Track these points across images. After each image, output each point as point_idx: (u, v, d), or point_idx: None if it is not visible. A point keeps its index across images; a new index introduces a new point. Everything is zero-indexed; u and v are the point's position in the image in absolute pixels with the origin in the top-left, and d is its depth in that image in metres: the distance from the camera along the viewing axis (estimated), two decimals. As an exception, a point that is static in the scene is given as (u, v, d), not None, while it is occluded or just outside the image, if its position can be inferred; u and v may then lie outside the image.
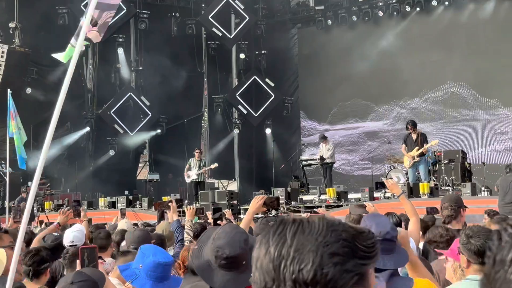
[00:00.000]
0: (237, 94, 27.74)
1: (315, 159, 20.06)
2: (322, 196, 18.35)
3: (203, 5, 28.18)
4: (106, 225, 9.85)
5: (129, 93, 26.23)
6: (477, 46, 24.26)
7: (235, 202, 18.29)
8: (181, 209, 10.97)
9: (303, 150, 26.28)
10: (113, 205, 19.68)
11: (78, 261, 4.43)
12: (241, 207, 17.78)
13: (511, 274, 1.11)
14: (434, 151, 18.35)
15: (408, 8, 25.66)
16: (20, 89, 23.47)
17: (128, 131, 25.95)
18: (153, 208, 17.82)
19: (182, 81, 26.33)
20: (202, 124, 28.99)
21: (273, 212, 15.51)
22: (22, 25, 23.52)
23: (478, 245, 3.80)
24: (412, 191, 15.70)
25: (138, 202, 19.78)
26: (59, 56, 5.32)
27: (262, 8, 28.68)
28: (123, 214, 11.81)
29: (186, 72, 26.94)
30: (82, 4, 25.10)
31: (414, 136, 16.78)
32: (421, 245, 5.91)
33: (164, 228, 7.04)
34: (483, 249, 3.78)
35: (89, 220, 10.24)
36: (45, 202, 20.44)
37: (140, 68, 26.79)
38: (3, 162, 21.43)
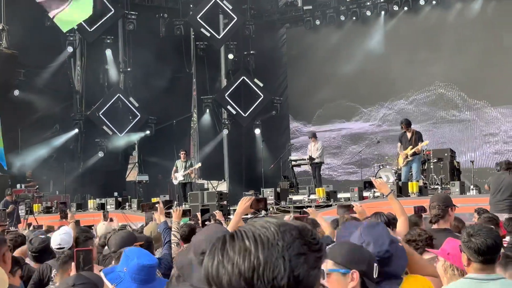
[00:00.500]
0: (226, 95, 27.71)
1: (304, 159, 20.06)
2: (312, 196, 18.36)
3: (191, 5, 28.15)
4: (92, 227, 9.80)
5: (118, 94, 26.15)
6: (464, 45, 24.34)
7: (225, 202, 18.27)
8: (170, 210, 10.92)
9: (292, 150, 26.30)
10: (102, 206, 19.61)
11: (73, 264, 4.39)
12: (231, 208, 17.75)
13: None
14: (423, 150, 18.40)
15: (396, 8, 25.73)
16: (7, 91, 23.36)
17: (117, 133, 25.87)
18: (141, 209, 17.79)
19: (170, 82, 26.28)
20: (191, 125, 28.95)
21: (263, 212, 15.51)
22: (9, 27, 23.40)
23: (479, 243, 3.79)
24: (401, 190, 15.73)
25: (127, 203, 19.73)
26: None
27: (250, 9, 28.66)
28: (105, 217, 11.73)
29: (175, 73, 26.89)
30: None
31: (409, 134, 16.85)
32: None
33: (152, 230, 7.01)
34: (483, 248, 3.77)
35: (77, 222, 10.18)
36: (34, 204, 20.33)
37: (129, 69, 26.71)
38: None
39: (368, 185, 17.38)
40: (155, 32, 26.57)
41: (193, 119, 28.88)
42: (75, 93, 26.16)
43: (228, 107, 27.70)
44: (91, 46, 25.95)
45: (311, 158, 19.52)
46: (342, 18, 26.84)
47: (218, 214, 9.98)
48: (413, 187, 15.73)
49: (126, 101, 26.10)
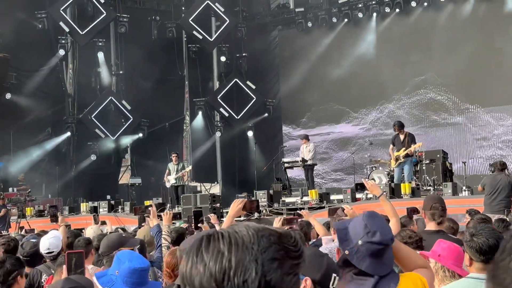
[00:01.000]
0: (218, 97, 27.70)
1: (297, 161, 20.05)
2: (305, 198, 18.36)
3: (183, 8, 28.14)
4: (83, 231, 9.78)
5: (110, 97, 26.10)
6: (456, 47, 24.41)
7: (218, 205, 18.25)
8: (162, 214, 10.91)
9: (285, 152, 26.29)
10: (95, 210, 19.56)
11: (64, 266, 4.37)
12: (224, 210, 17.72)
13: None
14: (416, 152, 18.42)
15: (387, 9, 25.79)
16: (-1, 95, 23.31)
17: (110, 136, 25.81)
18: (133, 212, 17.75)
19: (163, 85, 26.26)
20: (184, 128, 28.92)
21: (256, 215, 15.51)
22: (1, 30, 23.34)
23: (480, 243, 3.80)
24: (394, 192, 15.75)
25: (120, 206, 19.68)
26: None
27: (242, 11, 28.67)
28: (95, 220, 11.71)
29: (167, 75, 26.86)
30: (61, 9, 24.99)
31: (401, 136, 16.87)
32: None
33: (146, 234, 6.99)
34: (485, 247, 3.78)
35: (68, 225, 10.15)
36: (26, 208, 20.27)
37: (121, 72, 26.68)
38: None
39: (360, 187, 17.41)
40: (147, 35, 26.55)
41: (185, 121, 28.85)
42: (67, 96, 26.09)
43: (221, 109, 27.69)
44: (83, 49, 25.90)
45: (303, 160, 19.52)
46: (334, 20, 26.89)
47: (212, 217, 9.94)
48: (405, 188, 15.74)
49: (119, 104, 26.06)
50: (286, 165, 20.75)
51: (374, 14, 26.17)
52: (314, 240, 7.50)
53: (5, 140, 23.66)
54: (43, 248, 5.96)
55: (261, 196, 17.89)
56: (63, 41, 25.51)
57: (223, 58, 28.27)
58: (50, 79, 25.21)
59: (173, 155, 20.45)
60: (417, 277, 3.37)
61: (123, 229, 10.62)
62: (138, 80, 25.69)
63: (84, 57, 26.06)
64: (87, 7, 25.85)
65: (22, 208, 20.01)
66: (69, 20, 25.25)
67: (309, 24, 27.45)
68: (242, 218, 14.29)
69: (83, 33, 25.24)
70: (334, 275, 2.94)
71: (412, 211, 7.69)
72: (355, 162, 22.36)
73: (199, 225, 9.23)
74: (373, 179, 17.56)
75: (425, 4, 24.97)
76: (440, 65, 24.66)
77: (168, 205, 19.27)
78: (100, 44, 26.08)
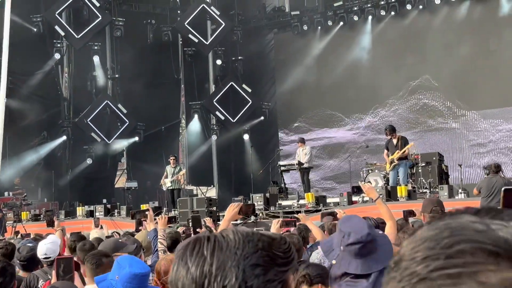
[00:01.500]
0: (214, 100, 27.70)
1: (293, 164, 20.07)
2: (301, 201, 18.37)
3: (179, 11, 28.15)
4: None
5: (106, 101, 26.09)
6: (451, 49, 24.45)
7: (214, 208, 18.26)
8: (157, 217, 10.92)
9: (281, 155, 26.29)
10: (91, 214, 19.55)
11: (53, 272, 4.36)
12: (220, 214, 17.72)
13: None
14: (412, 154, 18.45)
15: (383, 12, 25.82)
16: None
17: (105, 139, 25.80)
18: (130, 216, 17.74)
19: (159, 88, 26.25)
20: (180, 131, 28.91)
21: (252, 218, 15.51)
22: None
23: None
24: (390, 195, 15.77)
25: (116, 210, 19.67)
26: None
27: (238, 14, 28.68)
28: (96, 223, 11.71)
29: (163, 79, 26.87)
30: (57, 12, 24.97)
31: (394, 141, 16.90)
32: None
33: (143, 239, 6.98)
34: None
35: (63, 230, 10.14)
36: (22, 212, 20.23)
37: (117, 75, 26.67)
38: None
39: (357, 190, 17.43)
40: (143, 38, 26.55)
41: (181, 125, 28.84)
42: (63, 100, 26.07)
43: (217, 112, 27.70)
44: (79, 52, 25.89)
45: (299, 163, 19.54)
46: (330, 23, 26.91)
47: (208, 221, 9.96)
48: (402, 191, 15.77)
49: (114, 108, 26.04)
50: (282, 168, 20.76)
51: (370, 17, 26.20)
52: (312, 243, 7.51)
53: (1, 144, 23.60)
54: (40, 253, 5.94)
55: (258, 200, 17.90)
56: (59, 45, 25.51)
57: (218, 62, 28.28)
58: (45, 83, 25.19)
59: (171, 158, 20.44)
60: None
61: (119, 233, 10.63)
62: (134, 84, 25.67)
63: (79, 61, 26.06)
64: (82, 11, 25.85)
65: (18, 213, 19.98)
66: (65, 24, 25.24)
67: (305, 27, 27.48)
68: (238, 222, 14.29)
69: (79, 36, 25.23)
70: None
71: (409, 213, 7.72)
72: (346, 169, 22.24)
73: (197, 230, 9.23)
74: (369, 182, 17.59)
75: (420, 7, 25.01)
76: (435, 68, 24.69)
77: (165, 208, 19.26)
78: (95, 47, 26.08)
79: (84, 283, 4.62)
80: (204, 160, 27.74)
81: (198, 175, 27.60)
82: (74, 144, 25.82)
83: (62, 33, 25.06)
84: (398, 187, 16.06)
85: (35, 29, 24.57)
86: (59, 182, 24.56)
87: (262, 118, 28.23)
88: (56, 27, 24.90)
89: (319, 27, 27.25)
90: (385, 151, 17.23)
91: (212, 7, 27.49)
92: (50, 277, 5.30)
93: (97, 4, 25.61)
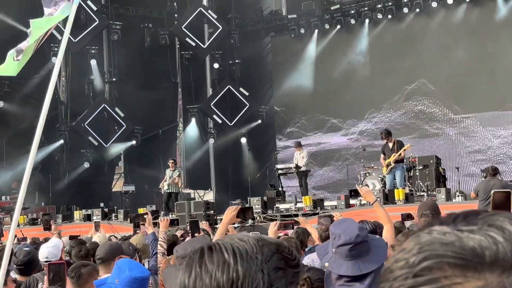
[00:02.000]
0: (211, 104, 27.70)
1: (291, 168, 20.08)
2: (299, 204, 18.37)
3: (176, 15, 28.17)
4: (79, 238, 9.76)
5: (103, 105, 26.07)
6: (448, 52, 24.48)
7: (212, 212, 18.26)
8: (156, 221, 10.92)
9: (278, 159, 26.29)
10: (88, 217, 19.54)
11: (45, 278, 4.36)
12: (218, 217, 17.73)
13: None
14: (409, 157, 18.48)
15: (380, 16, 25.86)
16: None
17: (103, 143, 25.77)
18: (128, 220, 17.74)
19: (156, 92, 26.24)
20: (177, 135, 28.90)
21: (250, 221, 15.50)
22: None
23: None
24: (388, 198, 15.78)
25: (113, 214, 19.66)
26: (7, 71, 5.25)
27: (235, 18, 28.70)
28: (97, 227, 11.70)
29: (160, 82, 26.87)
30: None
31: (390, 144, 16.94)
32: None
33: (138, 242, 6.98)
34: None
35: (59, 233, 10.14)
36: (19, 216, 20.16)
37: (114, 79, 26.66)
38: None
39: (354, 193, 17.44)
40: (140, 42, 26.55)
41: (179, 128, 28.83)
42: (60, 104, 26.04)
43: (214, 116, 27.70)
44: (76, 56, 25.88)
45: (297, 167, 19.55)
46: (327, 26, 26.95)
47: (204, 224, 9.99)
48: (399, 194, 15.79)
49: (112, 111, 26.03)
50: (279, 171, 20.78)
51: (367, 21, 26.24)
52: (311, 246, 7.51)
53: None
54: (41, 256, 5.96)
55: (255, 203, 17.90)
56: (56, 49, 25.47)
57: (216, 65, 28.30)
58: (42, 87, 25.09)
59: (170, 161, 20.48)
60: None
61: (116, 237, 10.62)
62: (131, 88, 25.66)
63: (77, 65, 26.04)
64: (79, 14, 25.79)
65: (15, 217, 19.87)
66: (62, 28, 25.18)
67: (302, 31, 27.51)
68: (236, 225, 14.29)
69: (76, 40, 25.20)
70: None
71: (407, 217, 7.73)
72: (337, 179, 22.07)
73: (196, 234, 9.24)
74: (366, 185, 17.61)
75: (417, 10, 25.05)
76: (432, 72, 24.72)
77: (162, 212, 19.25)
78: (93, 51, 26.07)
79: None
80: (202, 164, 27.74)
81: (196, 179, 27.58)
82: (71, 148, 25.80)
83: (59, 37, 25.03)
84: (395, 190, 16.07)
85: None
86: (57, 186, 24.52)
87: (259, 121, 28.24)
88: (53, 31, 24.85)
89: (316, 31, 27.29)
90: (382, 155, 17.26)
91: (209, 11, 27.51)
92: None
93: (94, 8, 25.62)
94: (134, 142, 26.61)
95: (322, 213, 15.23)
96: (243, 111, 27.76)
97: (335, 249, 3.21)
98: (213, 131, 28.12)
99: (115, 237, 11.46)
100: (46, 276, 4.28)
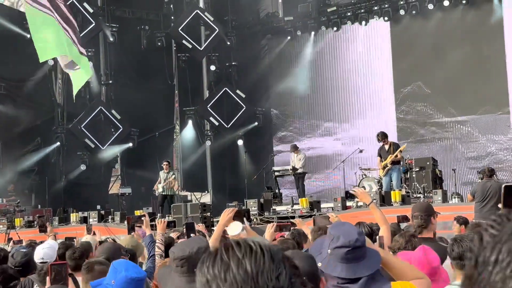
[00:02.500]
0: (208, 106, 27.70)
1: (288, 170, 20.10)
2: (295, 206, 18.38)
3: (172, 17, 28.16)
4: (74, 240, 9.75)
5: (100, 107, 26.04)
6: (444, 55, 24.49)
7: (208, 214, 18.26)
8: (154, 223, 10.91)
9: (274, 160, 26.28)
10: (85, 220, 19.53)
11: (47, 278, 4.37)
12: (214, 219, 17.72)
13: (496, 275, 1.11)
14: (405, 159, 18.51)
15: (376, 18, 25.88)
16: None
17: (99, 145, 25.74)
18: (125, 222, 17.71)
19: (152, 94, 26.23)
20: (174, 137, 28.89)
21: (246, 223, 15.48)
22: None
23: (460, 250, 3.85)
24: (384, 199, 15.81)
25: (110, 216, 19.65)
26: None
27: (231, 20, 28.71)
28: (89, 230, 11.68)
29: (157, 84, 26.85)
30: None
31: (386, 146, 16.99)
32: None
33: (127, 243, 6.97)
34: (464, 253, 3.83)
35: (55, 236, 10.13)
36: (15, 218, 20.17)
37: (110, 81, 26.64)
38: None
39: (350, 195, 17.45)
40: (136, 44, 26.54)
41: (175, 130, 28.83)
42: (57, 106, 26.02)
43: (211, 118, 27.70)
44: (72, 59, 25.83)
45: (294, 169, 19.57)
46: (323, 28, 26.98)
47: (200, 226, 9.98)
48: (396, 196, 15.81)
49: (108, 114, 26.00)
50: (276, 173, 20.79)
51: (363, 23, 26.26)
52: (306, 248, 7.51)
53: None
54: (37, 257, 5.95)
55: (252, 205, 17.91)
56: (52, 51, 25.43)
57: (212, 67, 28.31)
58: (39, 89, 25.14)
59: (164, 163, 20.50)
60: (409, 286, 3.41)
61: (114, 240, 10.58)
62: (127, 90, 25.65)
63: (73, 67, 25.99)
64: (76, 17, 25.81)
65: (11, 219, 19.93)
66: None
67: (298, 33, 27.54)
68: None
69: (72, 43, 25.19)
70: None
71: (403, 218, 7.74)
72: (326, 188, 21.95)
73: (191, 235, 9.25)
74: (363, 187, 17.62)
75: (414, 12, 25.08)
76: (427, 74, 24.72)
77: (159, 214, 19.24)
78: (89, 53, 25.98)
79: None
80: (198, 166, 27.73)
81: (192, 181, 27.58)
82: (68, 150, 25.77)
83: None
84: (392, 192, 16.10)
85: (28, 36, 24.51)
86: (53, 188, 24.48)
87: (256, 123, 28.24)
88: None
89: (313, 33, 27.31)
90: (378, 158, 17.30)
91: (205, 13, 27.51)
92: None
93: (91, 10, 25.60)
94: (130, 144, 26.58)
95: (319, 214, 15.24)
96: (239, 113, 27.76)
97: (331, 250, 3.22)
98: (209, 133, 28.12)
99: (113, 240, 11.44)
100: (48, 276, 4.28)
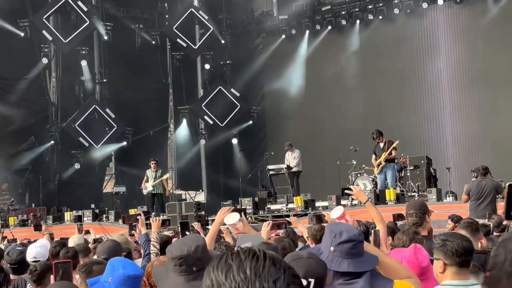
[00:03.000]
0: (202, 105, 27.69)
1: (282, 168, 20.09)
2: (290, 205, 18.38)
3: (167, 16, 28.13)
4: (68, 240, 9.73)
5: (94, 106, 25.99)
6: (440, 53, 24.54)
7: (203, 213, 18.25)
8: (148, 222, 10.90)
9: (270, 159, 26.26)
10: (79, 219, 19.48)
11: (51, 277, 4.35)
12: (209, 218, 17.72)
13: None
14: (400, 157, 18.52)
15: (370, 17, 25.91)
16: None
17: (93, 144, 25.69)
18: (120, 221, 17.71)
19: (147, 93, 26.20)
20: (168, 135, 28.85)
21: (241, 222, 15.47)
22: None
23: (455, 245, 3.81)
24: (379, 198, 15.83)
25: (104, 215, 19.61)
26: None
27: (226, 19, 28.70)
28: (80, 229, 11.65)
29: (151, 83, 26.82)
30: (44, 17, 24.88)
31: (381, 144, 17.00)
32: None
33: (119, 241, 6.89)
34: (460, 249, 3.79)
35: (51, 234, 10.10)
36: (10, 217, 20.12)
37: (105, 80, 26.58)
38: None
39: (345, 195, 17.44)
40: (131, 43, 26.48)
41: (170, 129, 28.79)
42: (51, 105, 25.94)
43: (205, 117, 27.68)
44: (66, 57, 25.79)
45: (288, 167, 19.56)
46: (318, 27, 27.00)
47: (196, 225, 9.98)
48: (390, 194, 15.84)
49: (102, 112, 25.95)
50: (271, 172, 20.78)
51: (358, 22, 26.29)
52: (302, 246, 7.52)
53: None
54: (29, 256, 5.93)
55: (246, 204, 17.91)
56: (46, 50, 25.37)
57: (207, 66, 28.28)
58: (33, 87, 25.06)
59: (151, 162, 20.48)
60: (407, 286, 3.44)
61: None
62: (122, 88, 25.60)
63: (67, 66, 25.95)
64: (70, 15, 25.76)
65: (5, 218, 19.87)
66: (52, 29, 25.13)
67: (293, 32, 27.56)
68: (227, 225, 14.27)
69: (66, 41, 25.12)
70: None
71: (398, 217, 7.74)
72: (330, 178, 21.88)
73: (187, 232, 9.24)
74: (358, 185, 17.63)
75: (408, 11, 25.11)
76: (423, 73, 24.76)
77: (153, 213, 19.21)
78: (83, 52, 25.95)
79: None
80: (193, 165, 27.71)
81: (187, 180, 27.55)
82: (61, 149, 25.70)
83: (50, 38, 24.95)
84: (386, 191, 16.12)
85: (22, 34, 24.46)
86: (47, 187, 24.42)
87: (250, 122, 28.25)
88: (44, 32, 24.79)
89: (307, 31, 27.32)
90: (373, 156, 17.31)
91: (200, 12, 27.50)
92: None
93: (85, 9, 25.53)
94: (125, 143, 26.53)
95: (313, 213, 15.24)
96: (234, 112, 27.76)
97: (335, 247, 3.22)
98: (204, 132, 28.11)
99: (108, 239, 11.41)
100: (52, 275, 4.27)
